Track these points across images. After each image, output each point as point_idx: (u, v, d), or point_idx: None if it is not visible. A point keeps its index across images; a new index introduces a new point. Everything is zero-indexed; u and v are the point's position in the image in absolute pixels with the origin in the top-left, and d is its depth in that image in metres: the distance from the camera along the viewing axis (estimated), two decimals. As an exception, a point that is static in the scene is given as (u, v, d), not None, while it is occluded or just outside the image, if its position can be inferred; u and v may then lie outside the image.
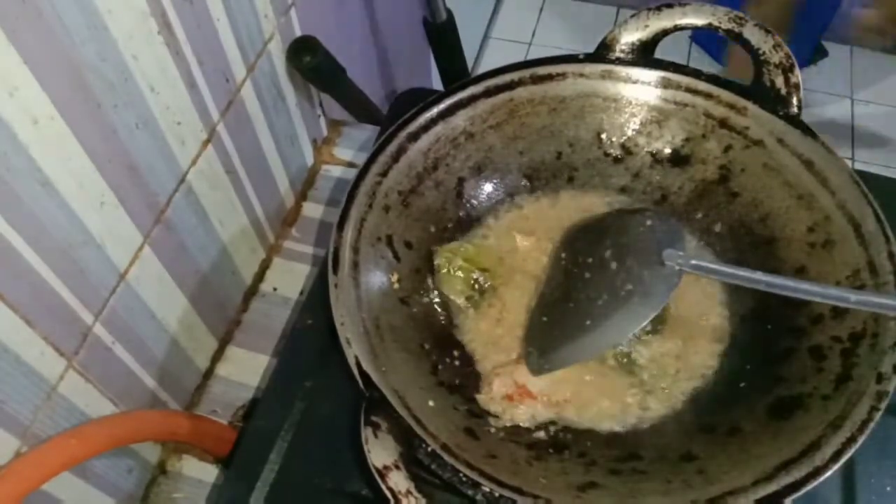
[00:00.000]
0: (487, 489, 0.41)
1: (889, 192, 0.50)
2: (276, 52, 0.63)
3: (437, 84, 1.08)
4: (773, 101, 0.53)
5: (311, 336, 0.55)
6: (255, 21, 0.58)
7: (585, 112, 0.58)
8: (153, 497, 0.58)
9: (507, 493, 0.41)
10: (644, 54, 0.56)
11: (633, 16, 0.56)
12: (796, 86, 0.53)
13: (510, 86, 0.56)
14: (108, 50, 0.42)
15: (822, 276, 0.50)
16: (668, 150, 0.58)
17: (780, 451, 0.42)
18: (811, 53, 1.73)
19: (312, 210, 0.73)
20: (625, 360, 0.51)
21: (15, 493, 0.40)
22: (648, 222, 0.52)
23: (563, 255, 0.55)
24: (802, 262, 0.51)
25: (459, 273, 0.54)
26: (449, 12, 0.92)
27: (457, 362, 0.52)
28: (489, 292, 0.54)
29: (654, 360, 0.51)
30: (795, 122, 0.52)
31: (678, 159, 0.58)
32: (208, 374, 0.63)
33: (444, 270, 0.54)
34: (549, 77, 0.57)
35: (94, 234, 0.45)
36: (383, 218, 0.52)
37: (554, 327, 0.51)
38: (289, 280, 0.68)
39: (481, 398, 0.50)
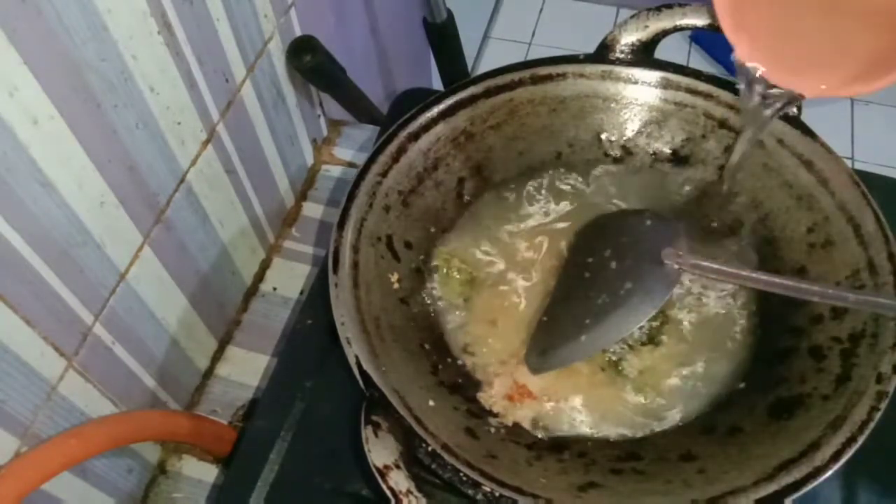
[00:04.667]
0: (488, 489, 0.41)
1: (889, 192, 0.50)
2: (276, 52, 0.63)
3: (437, 84, 1.08)
4: (773, 102, 0.53)
5: (311, 336, 0.55)
6: (254, 21, 0.58)
7: (585, 112, 0.58)
8: (153, 497, 0.58)
9: (507, 493, 0.41)
10: (644, 55, 0.56)
11: (632, 16, 0.56)
12: (796, 86, 0.53)
13: (510, 86, 0.56)
14: (108, 50, 0.42)
15: (822, 276, 0.50)
16: (668, 151, 0.58)
17: (780, 451, 0.42)
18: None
19: (312, 210, 0.73)
20: (618, 368, 0.51)
21: (15, 493, 0.40)
22: (648, 222, 0.52)
23: (563, 254, 0.55)
24: (802, 262, 0.51)
25: (456, 274, 0.54)
26: (449, 12, 0.92)
27: (457, 362, 0.52)
28: (487, 293, 0.54)
29: (649, 370, 0.51)
30: (795, 122, 0.52)
31: (678, 159, 0.58)
32: (208, 374, 0.63)
33: (443, 271, 0.54)
34: (550, 77, 0.57)
35: (94, 234, 0.45)
36: (383, 218, 0.52)
37: (553, 326, 0.51)
38: (289, 280, 0.68)
39: (482, 398, 0.50)
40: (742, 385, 0.49)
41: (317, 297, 0.55)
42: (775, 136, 0.53)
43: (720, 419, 0.48)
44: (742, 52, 0.45)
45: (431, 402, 0.46)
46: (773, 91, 0.47)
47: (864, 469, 0.48)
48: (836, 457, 0.41)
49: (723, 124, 0.55)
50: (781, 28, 0.46)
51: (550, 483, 0.44)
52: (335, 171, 0.75)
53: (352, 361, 0.44)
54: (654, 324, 0.52)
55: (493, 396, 0.50)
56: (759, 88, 0.47)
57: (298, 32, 0.66)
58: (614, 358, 0.51)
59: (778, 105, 0.47)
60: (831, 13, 0.44)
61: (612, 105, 0.58)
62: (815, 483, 0.40)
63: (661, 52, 0.57)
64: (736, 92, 0.54)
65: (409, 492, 0.39)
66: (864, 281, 0.47)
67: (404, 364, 0.48)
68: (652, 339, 0.51)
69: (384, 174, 0.53)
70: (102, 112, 0.43)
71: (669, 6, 0.55)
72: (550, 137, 0.59)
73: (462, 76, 1.00)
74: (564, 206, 0.58)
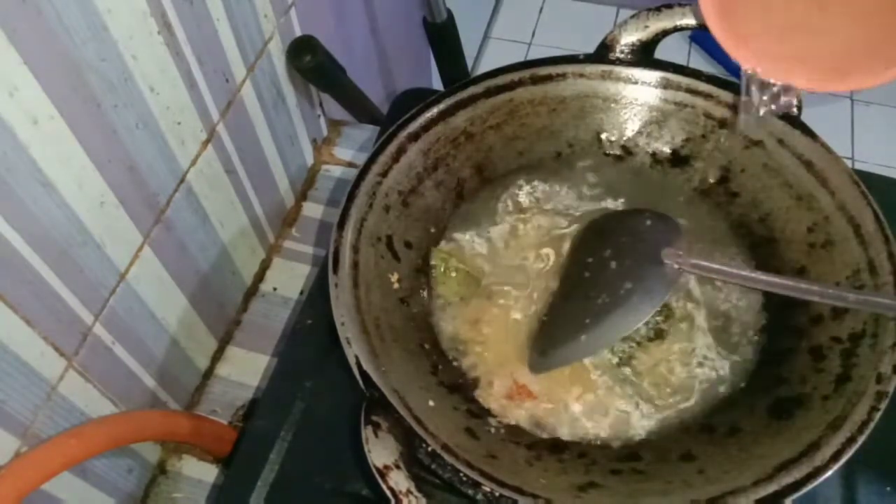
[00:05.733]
0: (488, 489, 0.41)
1: (889, 192, 0.50)
2: (276, 52, 0.63)
3: (437, 84, 1.08)
4: (773, 102, 0.53)
5: (311, 336, 0.55)
6: (254, 21, 0.58)
7: (585, 112, 0.58)
8: (153, 497, 0.58)
9: (507, 493, 0.41)
10: (644, 55, 0.56)
11: (632, 16, 0.56)
12: (796, 86, 0.53)
13: (510, 86, 0.56)
14: (108, 50, 0.42)
15: (822, 276, 0.50)
16: (668, 151, 0.58)
17: (781, 451, 0.42)
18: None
19: (312, 210, 0.73)
20: (623, 366, 0.51)
21: (15, 493, 0.40)
22: (648, 222, 0.52)
23: (563, 254, 0.55)
24: (802, 262, 0.51)
25: (453, 274, 0.54)
26: (449, 12, 0.92)
27: (456, 362, 0.52)
28: (485, 292, 0.54)
29: (654, 366, 0.51)
30: (795, 122, 0.52)
31: (678, 159, 0.58)
32: (208, 374, 0.63)
33: (440, 271, 0.54)
34: (550, 77, 0.57)
35: (93, 234, 0.45)
36: (383, 218, 0.52)
37: (554, 326, 0.51)
38: (289, 280, 0.68)
39: (481, 398, 0.50)
40: (742, 385, 0.49)
41: (317, 297, 0.55)
42: (775, 136, 0.53)
43: (720, 419, 0.48)
44: (731, 49, 0.45)
45: (431, 402, 0.46)
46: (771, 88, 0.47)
47: (864, 469, 0.48)
48: (836, 457, 0.41)
49: (723, 124, 0.55)
50: (769, 22, 0.46)
51: (550, 483, 0.44)
52: (335, 171, 0.75)
53: (352, 361, 0.44)
54: (659, 319, 0.52)
55: (492, 396, 0.50)
56: (757, 89, 0.47)
57: (298, 32, 0.66)
58: (619, 355, 0.51)
59: (774, 103, 0.47)
60: (819, 9, 0.44)
61: (612, 105, 0.58)
62: (815, 483, 0.40)
63: (661, 52, 0.57)
64: (736, 92, 0.54)
65: (409, 492, 0.39)
66: (864, 281, 0.47)
67: (404, 364, 0.48)
68: (658, 335, 0.51)
69: (384, 174, 0.53)
70: (102, 112, 0.43)
71: (669, 6, 0.55)
72: (550, 137, 0.59)
73: (462, 76, 1.00)
74: (564, 206, 0.58)
